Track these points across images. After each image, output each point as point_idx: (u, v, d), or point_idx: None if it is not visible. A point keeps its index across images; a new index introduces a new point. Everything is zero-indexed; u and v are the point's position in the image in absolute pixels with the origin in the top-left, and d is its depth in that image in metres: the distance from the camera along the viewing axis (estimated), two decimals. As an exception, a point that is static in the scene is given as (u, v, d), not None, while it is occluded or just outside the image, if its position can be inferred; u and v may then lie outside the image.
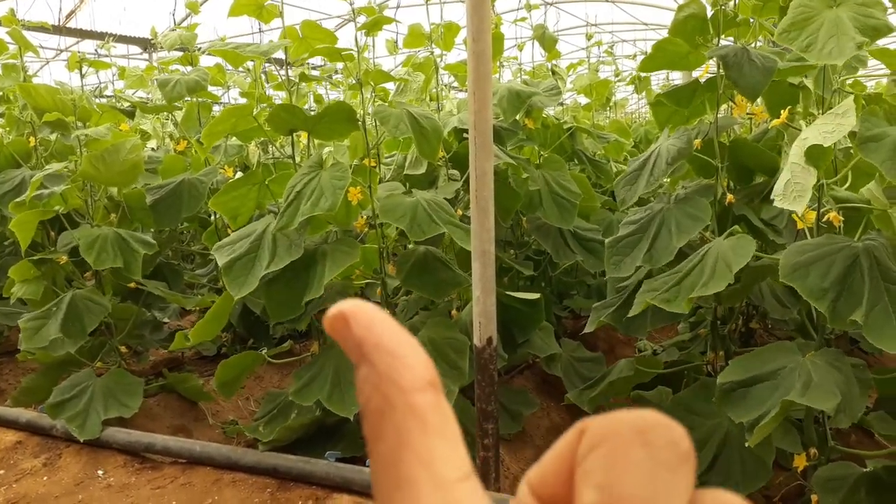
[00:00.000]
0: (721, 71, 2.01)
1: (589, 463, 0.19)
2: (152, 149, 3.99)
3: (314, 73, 3.08)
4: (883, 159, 1.53)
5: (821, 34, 1.61)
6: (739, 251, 1.71)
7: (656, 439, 0.19)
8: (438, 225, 2.08)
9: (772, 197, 1.65)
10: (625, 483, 0.18)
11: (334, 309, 0.21)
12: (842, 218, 1.64)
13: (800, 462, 1.74)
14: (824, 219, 1.70)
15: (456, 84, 3.98)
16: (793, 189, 1.58)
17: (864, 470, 1.69)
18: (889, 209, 1.72)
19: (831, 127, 1.55)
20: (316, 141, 2.82)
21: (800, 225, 1.72)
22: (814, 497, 1.68)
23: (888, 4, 1.71)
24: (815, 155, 1.59)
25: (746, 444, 1.57)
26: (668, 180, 2.57)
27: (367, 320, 0.21)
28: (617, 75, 4.59)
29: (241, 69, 2.81)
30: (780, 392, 1.56)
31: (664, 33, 2.17)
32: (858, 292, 1.53)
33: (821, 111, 1.82)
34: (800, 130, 2.01)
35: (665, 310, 1.82)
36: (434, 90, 3.01)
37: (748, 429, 1.56)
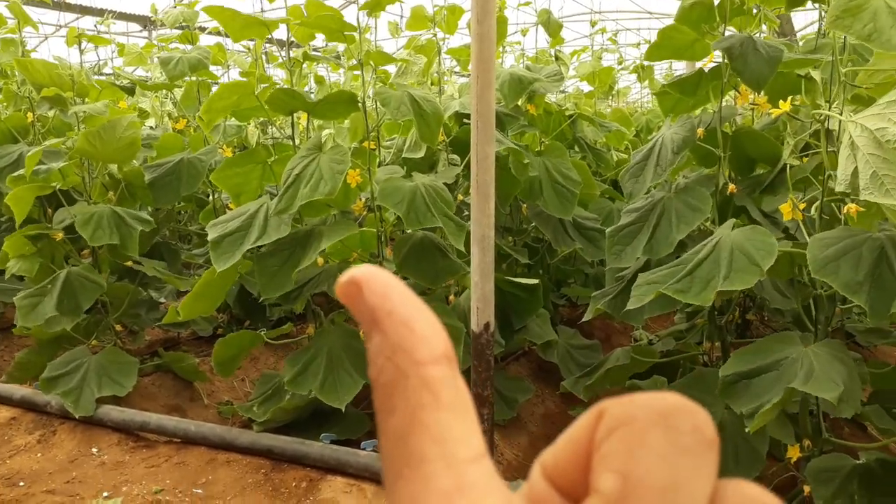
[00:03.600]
0: (726, 60, 1.99)
1: (607, 447, 0.18)
2: (151, 127, 3.96)
3: (315, 54, 3.05)
4: None
5: (880, 23, 1.56)
6: (760, 245, 1.67)
7: (679, 424, 0.18)
8: (435, 216, 2.07)
9: (837, 189, 1.60)
10: (645, 469, 0.17)
11: (347, 274, 0.20)
12: (861, 208, 1.62)
13: (793, 453, 1.75)
14: (843, 210, 1.68)
15: (458, 68, 3.96)
16: (882, 182, 1.50)
17: (857, 462, 1.69)
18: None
19: None
20: (316, 122, 2.80)
21: (787, 216, 1.71)
22: (806, 488, 1.69)
23: None
24: None
25: (747, 430, 1.57)
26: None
27: (381, 287, 0.20)
28: (620, 63, 4.57)
29: (241, 48, 2.79)
30: (783, 382, 1.56)
31: (669, 23, 2.15)
32: (890, 283, 1.51)
33: (827, 103, 1.81)
34: (803, 122, 2.00)
35: (661, 299, 1.82)
36: (435, 74, 2.99)
37: (748, 416, 1.55)
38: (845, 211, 1.65)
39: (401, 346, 0.19)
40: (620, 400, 0.19)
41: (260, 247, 2.12)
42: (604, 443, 0.18)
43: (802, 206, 1.72)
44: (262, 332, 2.33)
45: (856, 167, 1.56)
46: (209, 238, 2.11)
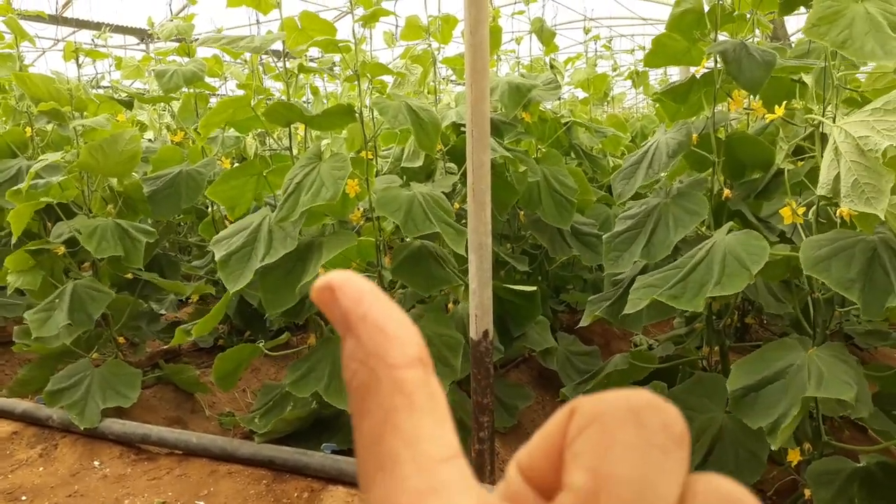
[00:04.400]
0: (719, 66, 2.01)
1: (579, 444, 0.18)
2: (149, 140, 3.98)
3: (312, 65, 3.07)
4: None
5: (855, 30, 1.58)
6: (752, 249, 1.68)
7: (649, 421, 0.18)
8: (433, 223, 2.08)
9: (819, 192, 1.62)
10: (615, 464, 0.17)
11: (322, 279, 0.21)
12: (855, 212, 1.63)
13: (793, 456, 1.75)
14: (837, 214, 1.69)
15: (454, 77, 3.98)
16: (863, 190, 1.52)
17: (858, 465, 1.70)
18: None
19: (888, 124, 1.50)
20: (313, 133, 2.82)
21: (787, 220, 1.72)
22: (807, 491, 1.69)
23: None
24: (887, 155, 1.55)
25: (771, 447, 1.56)
26: (665, 175, 2.57)
27: (355, 292, 0.20)
28: (615, 70, 4.59)
29: (238, 60, 2.80)
30: (794, 391, 1.56)
31: (662, 28, 2.17)
32: (883, 282, 1.53)
33: (819, 107, 1.82)
34: (797, 126, 2.02)
35: (658, 304, 1.82)
36: (432, 83, 3.01)
37: (768, 432, 1.54)
38: (839, 214, 1.67)
39: (374, 350, 0.19)
40: (591, 398, 0.19)
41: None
42: (575, 440, 0.19)
43: (801, 210, 1.73)
44: (261, 344, 2.34)
45: (838, 172, 1.57)
46: (216, 258, 2.11)
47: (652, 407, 0.18)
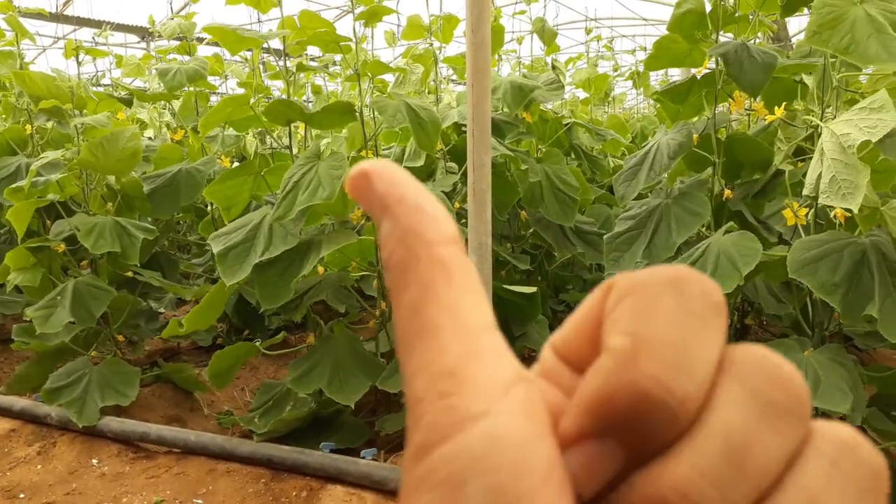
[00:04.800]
0: (720, 67, 2.00)
1: (617, 312, 0.18)
2: (149, 138, 3.97)
3: (312, 63, 3.06)
4: None
5: (857, 34, 1.57)
6: (744, 251, 1.68)
7: (689, 289, 0.18)
8: None
9: (804, 192, 1.63)
10: (654, 327, 0.17)
11: (356, 168, 0.21)
12: (848, 214, 1.63)
13: (793, 457, 1.75)
14: (833, 215, 1.69)
15: (455, 77, 3.98)
16: (840, 186, 1.53)
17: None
18: (881, 207, 1.72)
19: (871, 122, 1.52)
20: (314, 131, 2.82)
21: (790, 221, 1.72)
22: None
23: None
24: (861, 150, 1.56)
25: None
26: (666, 176, 2.57)
27: (390, 177, 0.20)
28: (616, 70, 4.59)
29: (238, 58, 2.80)
30: None
31: (664, 29, 2.17)
32: (868, 287, 1.53)
33: (820, 108, 1.82)
34: (797, 128, 2.02)
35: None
36: (433, 82, 3.00)
37: None
38: (835, 215, 1.66)
39: (412, 228, 0.20)
40: (629, 273, 0.19)
41: (259, 257, 2.13)
42: (614, 309, 0.19)
43: (803, 212, 1.73)
44: (258, 343, 2.34)
45: (821, 171, 1.58)
46: (214, 251, 2.11)
47: (691, 277, 0.18)
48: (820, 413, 1.83)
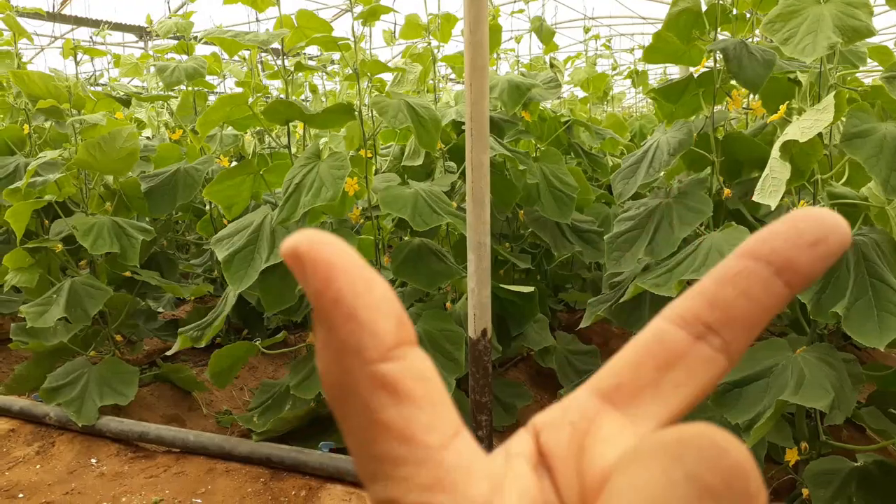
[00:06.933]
0: (719, 65, 2.00)
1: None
2: (147, 138, 3.97)
3: (310, 63, 3.06)
4: (867, 156, 1.54)
5: (801, 29, 1.62)
6: (733, 241, 1.72)
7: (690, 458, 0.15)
8: (441, 215, 2.08)
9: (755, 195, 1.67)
10: None
11: (289, 243, 0.18)
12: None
13: (791, 456, 1.75)
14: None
15: (453, 76, 3.98)
16: (770, 184, 1.59)
17: (855, 464, 1.70)
18: (887, 206, 1.72)
19: (810, 122, 1.56)
20: (312, 131, 2.81)
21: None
22: (805, 491, 1.69)
23: (874, 5, 1.72)
24: (789, 150, 1.61)
25: (745, 444, 1.58)
26: (664, 174, 2.57)
27: (325, 266, 0.17)
28: (614, 69, 4.58)
29: (236, 58, 2.80)
30: (774, 391, 1.57)
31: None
32: (843, 286, 1.55)
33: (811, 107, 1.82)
34: (796, 126, 2.02)
35: (662, 302, 1.83)
36: (431, 81, 3.00)
37: (744, 430, 1.55)
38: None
39: (346, 343, 0.17)
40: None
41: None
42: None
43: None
44: (258, 342, 2.34)
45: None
46: (219, 257, 2.11)
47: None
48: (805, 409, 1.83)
